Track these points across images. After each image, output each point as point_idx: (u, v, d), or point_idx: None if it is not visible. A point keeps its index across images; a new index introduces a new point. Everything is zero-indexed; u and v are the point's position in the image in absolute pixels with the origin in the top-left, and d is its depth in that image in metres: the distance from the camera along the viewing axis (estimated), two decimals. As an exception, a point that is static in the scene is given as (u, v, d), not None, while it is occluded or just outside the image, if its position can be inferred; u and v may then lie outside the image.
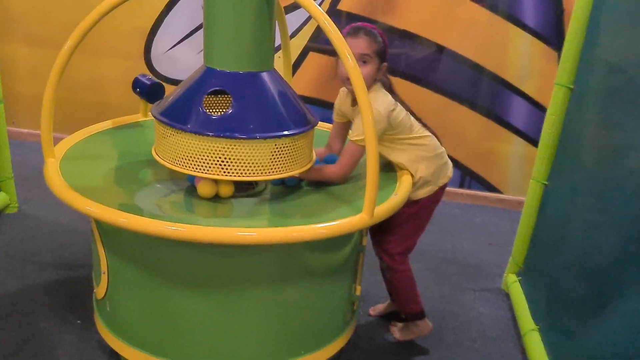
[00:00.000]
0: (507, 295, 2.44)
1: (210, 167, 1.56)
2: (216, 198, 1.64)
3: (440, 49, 3.24)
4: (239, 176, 1.57)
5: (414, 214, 1.90)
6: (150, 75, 2.16)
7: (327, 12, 3.17)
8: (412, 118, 1.85)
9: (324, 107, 3.32)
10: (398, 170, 1.88)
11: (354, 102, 1.84)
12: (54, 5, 3.38)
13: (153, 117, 1.64)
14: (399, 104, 1.81)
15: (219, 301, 1.61)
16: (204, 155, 1.55)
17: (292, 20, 3.23)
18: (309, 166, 1.72)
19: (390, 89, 1.83)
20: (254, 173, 1.57)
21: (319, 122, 1.77)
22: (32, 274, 2.26)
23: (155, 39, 3.43)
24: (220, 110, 1.89)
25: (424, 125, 1.89)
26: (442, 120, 3.29)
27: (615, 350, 1.50)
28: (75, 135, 1.93)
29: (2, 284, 2.18)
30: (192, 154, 1.56)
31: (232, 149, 1.54)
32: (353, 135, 1.77)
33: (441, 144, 1.91)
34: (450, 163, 1.94)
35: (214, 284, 1.59)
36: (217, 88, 1.61)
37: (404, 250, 1.95)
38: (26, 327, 1.97)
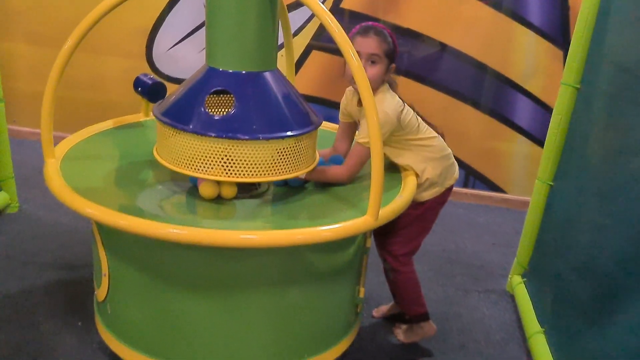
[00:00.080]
0: (512, 297, 2.42)
1: (212, 168, 1.54)
2: (219, 199, 1.62)
3: (444, 47, 3.21)
4: (241, 177, 1.55)
5: (420, 216, 1.88)
6: (152, 75, 2.14)
7: (330, 10, 3.17)
8: (419, 119, 1.82)
9: (327, 106, 3.30)
10: (402, 171, 1.86)
11: (360, 102, 1.81)
12: (55, 3, 3.36)
13: (155, 117, 1.62)
14: (406, 105, 1.79)
15: (221, 303, 1.59)
16: (206, 156, 1.53)
17: (295, 18, 3.21)
18: (312, 167, 1.69)
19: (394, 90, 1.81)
20: (256, 174, 1.55)
21: (323, 122, 1.75)
22: (33, 275, 2.24)
23: (156, 37, 3.41)
24: (223, 110, 1.87)
25: (431, 126, 1.86)
26: (445, 119, 3.27)
27: (622, 353, 1.48)
28: (76, 135, 1.91)
29: (2, 285, 2.16)
30: (194, 154, 1.54)
31: (235, 149, 1.52)
32: (360, 136, 1.74)
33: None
34: (456, 164, 1.92)
35: (216, 286, 1.57)
36: (219, 88, 1.59)
37: (408, 251, 1.93)
38: (26, 328, 1.95)
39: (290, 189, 1.73)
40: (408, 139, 1.81)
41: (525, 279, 2.37)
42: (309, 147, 1.66)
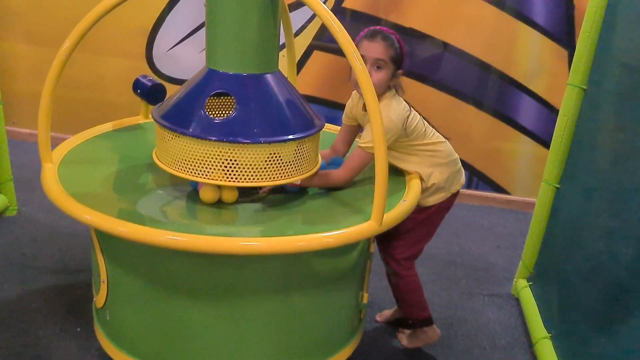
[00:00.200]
0: (517, 301, 2.38)
1: (213, 172, 1.51)
2: (219, 204, 1.59)
3: (447, 47, 3.18)
4: (242, 182, 1.52)
5: (424, 220, 1.84)
6: (151, 76, 2.10)
7: (331, 10, 3.13)
8: (425, 123, 1.79)
9: (329, 107, 3.27)
10: (406, 175, 1.82)
11: (365, 107, 1.78)
12: (55, 3, 3.33)
13: (154, 120, 1.59)
14: (412, 110, 1.76)
15: (222, 310, 1.56)
16: (206, 160, 1.50)
17: (296, 18, 3.17)
18: (314, 170, 1.66)
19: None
20: (258, 178, 1.52)
21: (325, 124, 1.72)
22: (32, 279, 2.22)
23: (157, 37, 3.37)
24: (223, 113, 1.83)
25: (438, 131, 1.83)
26: (448, 120, 3.24)
27: (632, 362, 1.45)
28: (74, 139, 1.88)
29: (0, 289, 2.13)
30: (194, 158, 1.51)
31: (236, 153, 1.49)
32: (363, 141, 1.71)
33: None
34: (463, 170, 1.89)
35: (217, 292, 1.54)
36: (219, 90, 1.56)
37: (410, 255, 1.90)
38: (24, 334, 1.92)
39: (290, 193, 1.70)
40: (413, 145, 1.78)
41: (531, 283, 2.34)
42: (311, 151, 1.62)
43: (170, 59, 3.40)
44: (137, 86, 2.06)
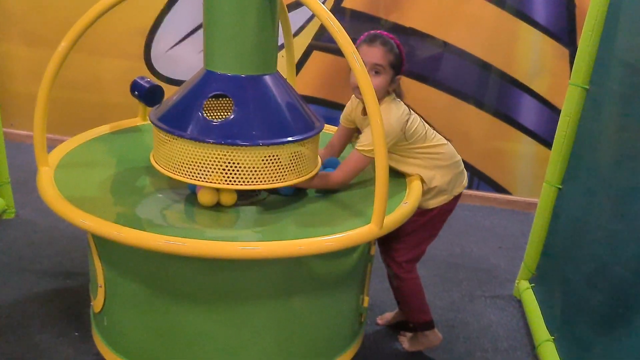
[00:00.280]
0: (519, 302, 2.36)
1: (211, 175, 1.49)
2: (218, 207, 1.57)
3: (447, 46, 3.16)
4: (241, 185, 1.50)
5: (426, 223, 1.83)
6: (149, 78, 2.08)
7: (331, 10, 3.11)
8: (426, 125, 1.77)
9: (329, 107, 3.25)
10: (407, 176, 1.80)
11: (365, 111, 1.76)
12: (53, 4, 3.31)
13: (151, 123, 1.57)
14: (412, 113, 1.73)
15: (221, 315, 1.54)
16: (204, 163, 1.48)
17: (295, 18, 3.15)
18: (314, 172, 1.64)
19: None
20: (257, 181, 1.50)
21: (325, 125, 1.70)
22: (29, 283, 2.20)
23: (155, 38, 3.35)
24: (221, 115, 1.81)
25: (440, 132, 1.81)
26: (449, 119, 3.22)
27: (637, 366, 1.43)
28: (71, 142, 1.86)
29: (-2, 294, 2.12)
30: (192, 161, 1.49)
31: (234, 156, 1.47)
32: (360, 144, 1.69)
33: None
34: (465, 172, 1.87)
35: (216, 297, 1.52)
36: (217, 92, 1.54)
37: (411, 258, 1.88)
38: (21, 339, 1.90)
39: (291, 196, 1.68)
40: (414, 148, 1.76)
41: (533, 284, 2.32)
42: (311, 153, 1.60)
43: (169, 60, 3.38)
44: (135, 88, 2.04)
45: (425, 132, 1.75)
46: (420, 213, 1.78)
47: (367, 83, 1.36)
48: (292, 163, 1.54)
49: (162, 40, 3.35)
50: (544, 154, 3.09)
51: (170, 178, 1.55)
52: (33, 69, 3.44)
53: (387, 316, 2.17)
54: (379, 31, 1.71)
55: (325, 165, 1.80)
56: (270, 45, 1.55)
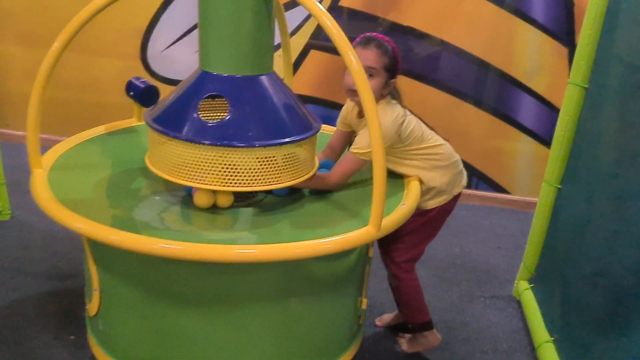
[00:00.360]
0: (519, 303, 2.35)
1: (207, 177, 1.47)
2: (214, 208, 1.55)
3: (445, 45, 3.14)
4: (237, 186, 1.48)
5: (425, 224, 1.81)
6: (145, 78, 2.06)
7: (328, 9, 3.10)
8: (423, 126, 1.75)
9: (327, 107, 3.23)
10: (405, 177, 1.78)
11: (360, 114, 1.76)
12: (48, 3, 3.28)
13: (146, 124, 1.55)
14: (408, 114, 1.72)
15: (218, 318, 1.52)
16: (200, 165, 1.46)
17: (293, 17, 3.13)
18: (312, 173, 1.63)
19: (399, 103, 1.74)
20: (253, 183, 1.48)
21: (322, 125, 1.68)
22: (25, 286, 2.18)
23: (151, 37, 3.33)
24: (217, 116, 1.79)
25: (437, 133, 1.79)
26: (447, 119, 3.21)
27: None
28: (65, 143, 1.83)
29: (-8, 297, 2.10)
30: (188, 163, 1.47)
31: (230, 157, 1.45)
32: (355, 147, 1.67)
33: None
34: (464, 171, 1.85)
35: (212, 300, 1.50)
36: (213, 93, 1.52)
37: (410, 258, 1.87)
38: (17, 342, 1.88)
39: (287, 197, 1.66)
40: (411, 150, 1.74)
41: (532, 285, 2.30)
42: (308, 153, 1.59)
43: (166, 60, 3.36)
44: (130, 88, 2.02)
45: (422, 134, 1.74)
46: (419, 213, 1.76)
47: (364, 83, 1.34)
48: (289, 164, 1.52)
49: (158, 40, 3.33)
50: (543, 153, 3.08)
51: (166, 180, 1.53)
52: (29, 69, 3.41)
53: (386, 318, 2.15)
54: (374, 34, 1.69)
55: (320, 165, 1.79)
56: (266, 45, 1.53)
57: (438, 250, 2.68)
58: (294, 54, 3.17)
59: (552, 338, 1.95)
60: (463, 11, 3.08)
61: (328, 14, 1.35)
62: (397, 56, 1.68)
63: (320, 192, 1.69)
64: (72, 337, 1.92)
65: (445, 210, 1.83)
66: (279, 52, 2.10)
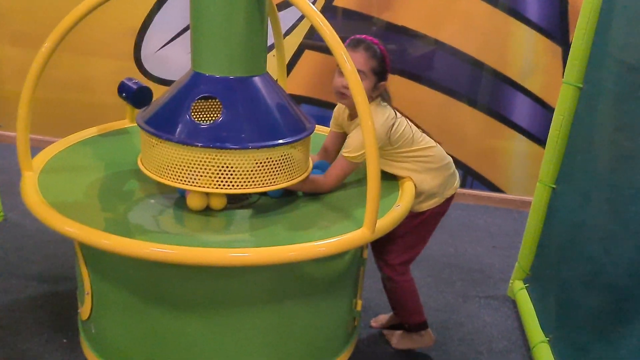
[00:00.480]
0: (514, 303, 2.35)
1: (200, 179, 1.46)
2: (208, 211, 1.54)
3: (440, 45, 3.13)
4: (231, 189, 1.47)
5: (418, 226, 1.80)
6: (137, 79, 2.04)
7: (322, 9, 3.09)
8: (414, 128, 1.74)
9: (322, 107, 3.22)
10: (399, 178, 1.77)
11: (351, 116, 1.75)
12: (41, 4, 3.25)
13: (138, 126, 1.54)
14: (399, 116, 1.71)
15: (212, 321, 1.51)
16: (192, 167, 1.45)
17: (287, 17, 3.11)
18: (305, 175, 1.62)
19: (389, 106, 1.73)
20: (247, 185, 1.47)
21: (316, 126, 1.67)
22: (17, 288, 2.16)
23: (145, 37, 3.31)
24: (210, 118, 1.78)
25: (429, 135, 1.79)
26: (442, 118, 3.20)
27: (634, 369, 1.41)
28: (56, 145, 1.82)
29: (-16, 300, 2.08)
30: (180, 165, 1.46)
31: (223, 160, 1.44)
32: (346, 150, 1.67)
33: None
34: (457, 173, 1.85)
35: (206, 303, 1.49)
36: (205, 95, 1.51)
37: (405, 260, 1.87)
38: (9, 346, 1.86)
39: (281, 199, 1.65)
40: (401, 152, 1.74)
41: (527, 285, 2.30)
42: (302, 155, 1.58)
43: (160, 60, 3.34)
44: (123, 89, 2.01)
45: (413, 136, 1.73)
46: (412, 216, 1.75)
47: (357, 84, 1.34)
48: (282, 166, 1.51)
49: (152, 40, 3.31)
50: (537, 152, 3.08)
51: (158, 182, 1.52)
52: (22, 70, 3.36)
53: (382, 319, 2.14)
54: (363, 36, 1.68)
55: (315, 167, 1.78)
56: (259, 46, 1.52)
57: (433, 250, 2.67)
58: (289, 54, 3.16)
59: (547, 338, 1.95)
60: (457, 11, 3.07)
61: (320, 15, 1.34)
62: (386, 58, 1.67)
63: (314, 193, 1.68)
64: (64, 340, 1.91)
65: (438, 212, 1.82)
66: (273, 52, 2.09)
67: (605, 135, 1.79)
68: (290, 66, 3.20)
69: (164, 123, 1.48)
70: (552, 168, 2.16)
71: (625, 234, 1.56)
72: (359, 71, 1.60)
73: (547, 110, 3.12)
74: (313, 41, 3.19)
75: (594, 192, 1.80)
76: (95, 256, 1.53)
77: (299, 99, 3.26)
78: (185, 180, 1.46)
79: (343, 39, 1.36)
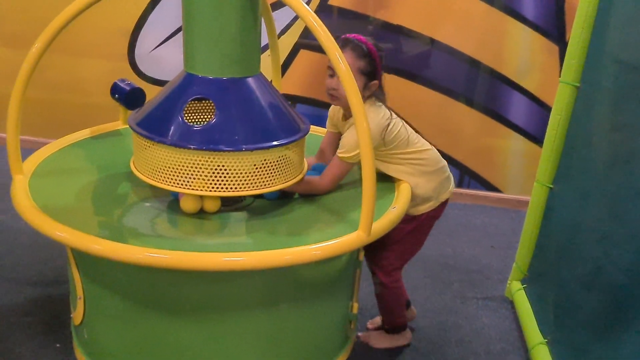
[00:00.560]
0: (512, 303, 2.33)
1: (193, 182, 1.44)
2: (201, 213, 1.52)
3: (436, 44, 3.11)
4: (225, 191, 1.44)
5: (413, 230, 1.79)
6: (130, 80, 2.02)
7: (317, 8, 3.07)
8: (409, 130, 1.72)
9: (317, 107, 3.20)
10: (395, 180, 1.75)
11: (345, 116, 1.74)
12: (33, 4, 3.22)
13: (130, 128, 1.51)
14: (394, 117, 1.69)
15: (206, 326, 1.49)
16: (185, 170, 1.43)
17: (282, 16, 3.09)
18: (300, 177, 1.60)
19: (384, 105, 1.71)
20: (241, 187, 1.45)
21: (311, 126, 1.65)
22: (9, 293, 2.13)
23: (139, 37, 3.28)
24: (203, 120, 1.76)
25: (424, 137, 1.77)
26: (439, 117, 3.18)
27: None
28: (48, 148, 1.79)
29: (-24, 305, 2.05)
30: (173, 168, 1.44)
31: (217, 162, 1.42)
32: (341, 150, 1.65)
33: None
34: (452, 177, 1.83)
35: (200, 308, 1.47)
36: (198, 96, 1.48)
37: (399, 266, 1.87)
38: (2, 352, 1.83)
39: (275, 201, 1.63)
40: (395, 153, 1.72)
41: (525, 285, 2.28)
42: (296, 156, 1.55)
43: (153, 60, 3.31)
44: (115, 91, 1.98)
45: (408, 137, 1.71)
46: (407, 220, 1.74)
47: (352, 84, 1.31)
48: (277, 168, 1.49)
49: (146, 40, 3.28)
50: (534, 151, 3.07)
51: (151, 185, 1.50)
52: (13, 71, 3.34)
53: (378, 320, 2.12)
54: (352, 35, 1.65)
55: (312, 169, 1.76)
56: (253, 46, 1.50)
57: (430, 250, 2.65)
58: (284, 54, 3.14)
59: (546, 340, 1.93)
60: (453, 9, 3.05)
61: (314, 14, 1.32)
62: (376, 57, 1.63)
63: (310, 195, 1.66)
64: (57, 345, 1.88)
65: (433, 216, 1.81)
66: (267, 52, 2.07)
67: (603, 134, 1.78)
68: (286, 66, 3.18)
69: (157, 125, 1.46)
70: (549, 168, 2.15)
71: (623, 234, 1.55)
72: None
73: (543, 108, 3.11)
74: (308, 41, 3.16)
75: (592, 191, 1.79)
76: (87, 261, 1.51)
77: (294, 99, 3.24)
78: (178, 183, 1.44)
79: (336, 39, 1.34)
